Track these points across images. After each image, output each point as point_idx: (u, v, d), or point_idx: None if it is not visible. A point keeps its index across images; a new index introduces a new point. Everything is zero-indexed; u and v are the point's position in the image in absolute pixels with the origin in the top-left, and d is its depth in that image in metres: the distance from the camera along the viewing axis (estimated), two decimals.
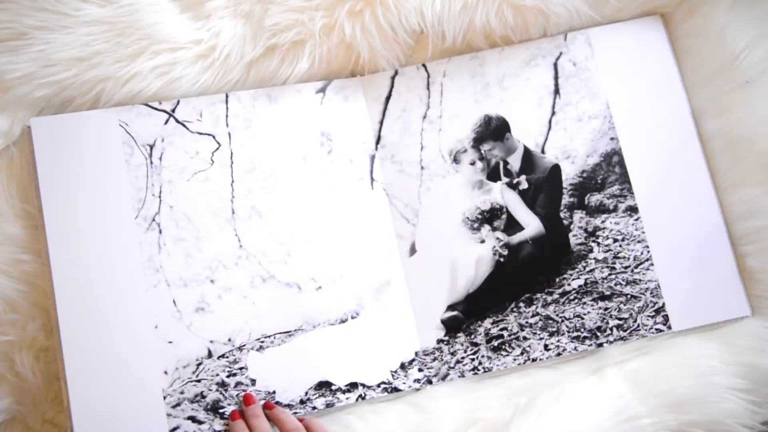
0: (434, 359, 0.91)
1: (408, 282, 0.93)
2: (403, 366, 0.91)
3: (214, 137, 0.93)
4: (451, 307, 0.93)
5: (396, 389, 0.90)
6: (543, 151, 0.96)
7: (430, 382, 0.91)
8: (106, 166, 0.89)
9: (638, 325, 0.92)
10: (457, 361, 0.91)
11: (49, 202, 0.86)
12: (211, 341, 0.88)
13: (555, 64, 0.97)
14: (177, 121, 0.92)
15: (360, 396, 0.89)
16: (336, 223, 0.93)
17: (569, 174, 0.96)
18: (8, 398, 0.86)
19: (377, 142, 0.96)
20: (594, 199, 0.96)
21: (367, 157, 0.96)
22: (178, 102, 0.92)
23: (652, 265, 0.94)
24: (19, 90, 0.87)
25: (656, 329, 0.92)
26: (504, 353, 0.92)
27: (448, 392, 0.90)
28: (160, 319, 0.87)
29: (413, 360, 0.91)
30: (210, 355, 0.88)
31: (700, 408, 0.87)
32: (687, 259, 0.93)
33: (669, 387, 0.88)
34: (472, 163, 0.96)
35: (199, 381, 0.87)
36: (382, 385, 0.90)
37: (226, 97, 0.93)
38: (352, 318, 0.92)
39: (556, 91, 0.97)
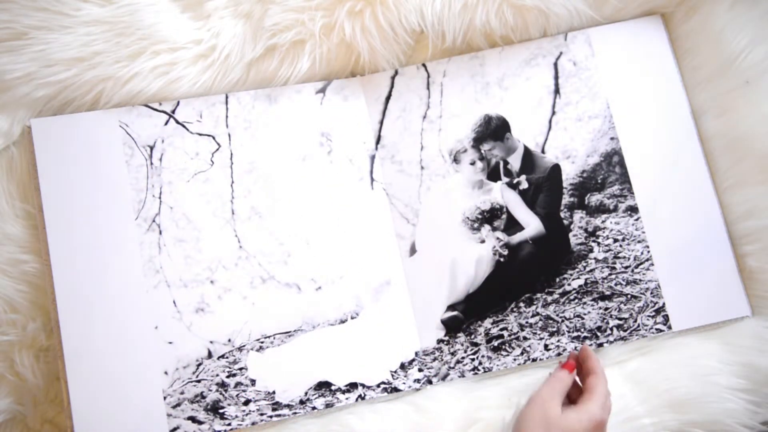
0: (434, 359, 0.91)
1: (408, 282, 0.93)
2: (403, 366, 0.91)
3: (214, 138, 0.93)
4: (451, 307, 0.93)
5: (396, 389, 0.90)
6: (543, 151, 0.96)
7: (430, 382, 0.91)
8: (106, 167, 0.89)
9: (638, 325, 0.92)
10: (457, 361, 0.91)
11: (50, 202, 0.86)
12: (211, 342, 0.88)
13: (555, 64, 0.97)
14: (177, 122, 0.92)
15: (360, 396, 0.89)
16: (336, 223, 0.93)
17: (569, 174, 0.96)
18: (8, 398, 0.86)
19: (377, 142, 0.96)
20: (594, 199, 0.95)
21: (367, 157, 0.96)
22: (178, 103, 0.92)
23: (652, 265, 0.93)
24: (19, 90, 0.87)
25: (656, 329, 0.92)
26: (504, 353, 0.91)
27: (448, 392, 0.90)
28: (160, 319, 0.87)
29: (413, 360, 0.91)
30: (210, 355, 0.88)
31: (700, 408, 0.87)
32: (687, 259, 0.93)
33: (669, 387, 0.88)
34: (472, 163, 0.96)
35: (199, 381, 0.87)
36: (382, 385, 0.90)
37: (226, 97, 0.93)
38: (352, 318, 0.92)
39: (557, 91, 0.97)
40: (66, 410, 0.83)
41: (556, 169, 0.95)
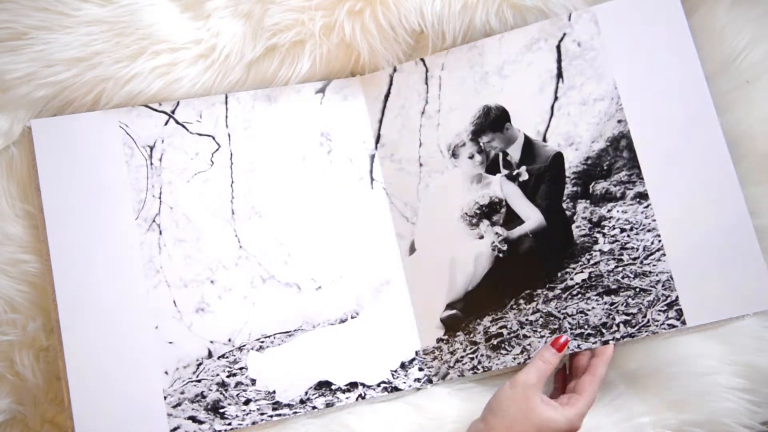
0: (434, 358, 0.91)
1: (408, 281, 0.93)
2: (403, 365, 0.91)
3: (213, 138, 0.93)
4: (450, 306, 0.92)
5: (396, 389, 0.90)
6: (545, 140, 0.92)
7: (430, 381, 0.91)
8: (106, 167, 0.89)
9: (648, 321, 0.86)
10: (457, 360, 0.91)
11: (50, 202, 0.86)
12: (212, 341, 0.88)
13: (558, 47, 0.93)
14: (177, 122, 0.92)
15: (360, 395, 0.89)
16: (336, 223, 0.93)
17: (572, 162, 0.91)
18: (8, 398, 0.86)
19: (377, 141, 0.96)
20: (599, 187, 0.90)
21: (367, 157, 0.96)
22: (177, 103, 0.92)
23: (663, 255, 0.87)
24: (19, 90, 0.87)
25: (669, 324, 0.86)
26: (504, 352, 0.90)
27: (449, 392, 0.90)
28: (161, 319, 0.87)
29: (413, 359, 0.91)
30: (210, 355, 0.88)
31: (699, 407, 0.87)
32: (705, 248, 0.86)
33: (668, 386, 0.88)
34: (471, 157, 0.94)
35: (199, 381, 0.87)
36: (382, 385, 0.90)
37: (226, 98, 0.93)
38: (352, 318, 0.92)
39: (559, 75, 0.93)
40: (66, 410, 0.83)
41: (558, 157, 0.91)
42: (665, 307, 0.87)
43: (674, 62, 0.90)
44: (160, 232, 0.89)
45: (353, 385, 0.90)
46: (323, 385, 0.89)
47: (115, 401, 0.84)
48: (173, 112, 0.92)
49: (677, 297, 0.86)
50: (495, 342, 0.90)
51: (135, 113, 0.91)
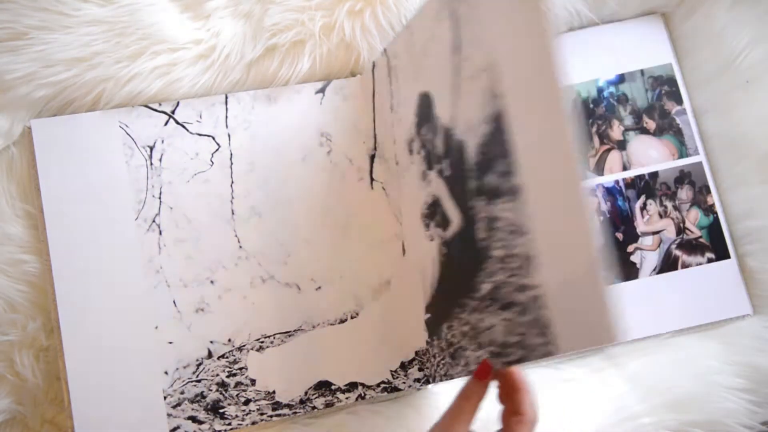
0: (427, 360, 0.91)
1: (404, 282, 0.93)
2: (403, 365, 0.91)
3: (213, 138, 0.93)
4: (427, 309, 0.88)
5: (396, 389, 0.90)
6: (455, 126, 0.74)
7: (428, 381, 0.91)
8: (106, 168, 0.89)
9: (530, 345, 0.65)
10: (437, 364, 0.89)
11: (50, 202, 0.86)
12: (211, 342, 0.88)
13: (454, 12, 0.71)
14: (177, 122, 0.92)
15: (360, 396, 0.89)
16: (336, 224, 0.93)
17: (471, 152, 0.71)
18: (8, 398, 0.86)
19: (375, 141, 0.96)
20: (488, 180, 0.69)
21: (367, 157, 0.96)
22: (177, 103, 0.92)
23: (540, 264, 0.63)
24: (19, 90, 0.87)
25: (543, 352, 0.64)
26: (457, 362, 0.81)
27: (449, 393, 0.90)
28: (161, 319, 0.87)
29: (413, 359, 0.91)
30: (210, 355, 0.88)
31: (699, 407, 0.87)
32: (575, 259, 0.61)
33: (668, 386, 0.88)
34: (418, 152, 0.85)
35: (199, 381, 0.87)
36: (382, 385, 0.90)
37: (226, 98, 0.93)
38: (352, 318, 0.92)
39: (458, 47, 0.71)
40: (67, 410, 0.83)
41: (461, 147, 0.73)
42: (542, 329, 0.64)
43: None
44: (160, 232, 0.89)
45: (353, 385, 0.90)
46: (323, 385, 0.89)
47: (115, 401, 0.84)
48: (173, 112, 0.92)
49: (550, 317, 0.63)
50: (452, 350, 0.82)
51: (135, 113, 0.91)
